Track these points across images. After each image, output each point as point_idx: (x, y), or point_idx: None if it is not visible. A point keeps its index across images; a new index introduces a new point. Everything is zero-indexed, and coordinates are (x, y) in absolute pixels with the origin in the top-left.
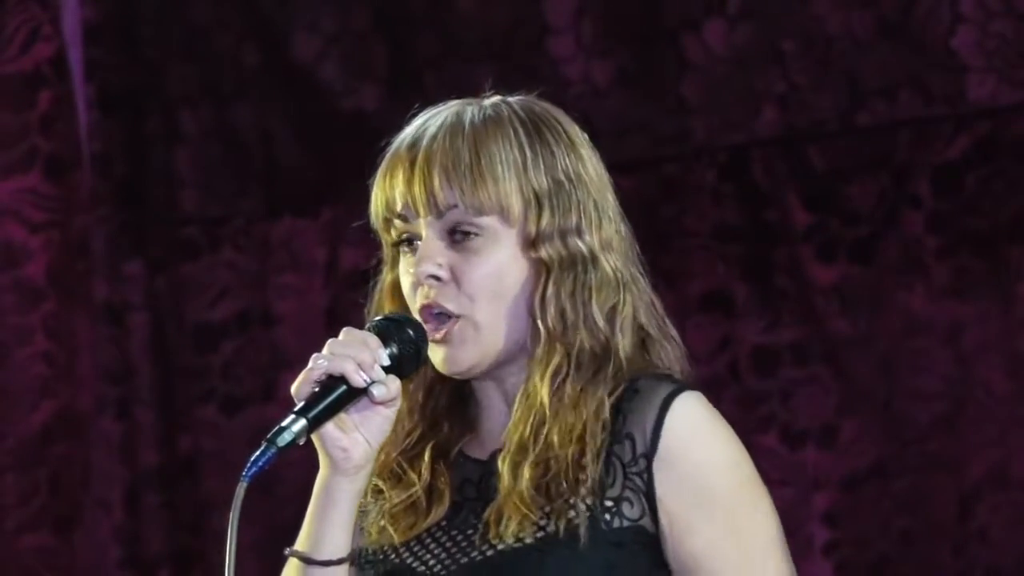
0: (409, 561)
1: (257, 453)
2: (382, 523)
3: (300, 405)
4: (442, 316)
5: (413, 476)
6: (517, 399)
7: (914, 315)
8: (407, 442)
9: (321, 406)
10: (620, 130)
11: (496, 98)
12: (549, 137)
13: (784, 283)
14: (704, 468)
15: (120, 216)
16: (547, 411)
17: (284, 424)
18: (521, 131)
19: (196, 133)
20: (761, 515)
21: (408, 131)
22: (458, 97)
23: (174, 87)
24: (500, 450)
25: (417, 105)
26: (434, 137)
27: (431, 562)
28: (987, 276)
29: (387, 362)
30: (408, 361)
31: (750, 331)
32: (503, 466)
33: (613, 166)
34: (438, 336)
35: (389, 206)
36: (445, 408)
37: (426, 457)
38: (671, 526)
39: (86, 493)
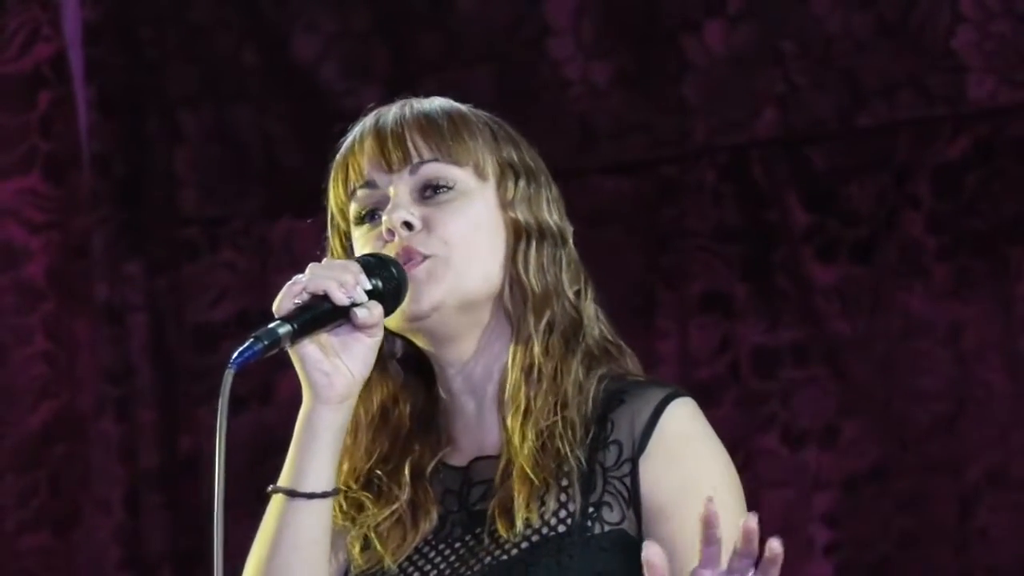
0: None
1: (244, 346)
2: (371, 540)
3: (282, 314)
4: (413, 254)
5: (396, 490)
6: (511, 356)
7: (914, 316)
8: (379, 452)
9: (306, 316)
10: (620, 130)
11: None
12: (512, 132)
13: (784, 284)
14: (690, 463)
15: (120, 217)
16: (543, 367)
17: (270, 326)
18: (487, 119)
19: (196, 134)
20: (736, 516)
21: (366, 119)
22: (456, 99)
23: (174, 88)
24: (480, 457)
25: (375, 113)
26: (402, 111)
27: (418, 569)
28: (987, 277)
29: (369, 286)
30: (389, 296)
31: (750, 332)
32: (512, 426)
33: (612, 167)
34: (408, 266)
35: (355, 173)
36: (409, 429)
37: (406, 473)
38: (649, 512)
39: (86, 493)
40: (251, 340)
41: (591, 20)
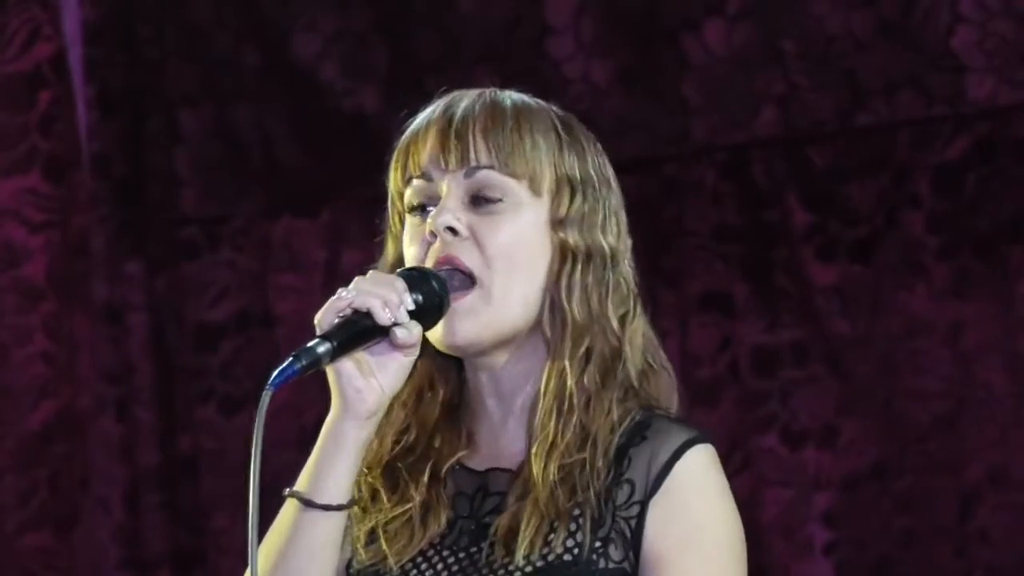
0: None
1: (283, 365)
2: (376, 536)
3: (325, 331)
4: (459, 276)
5: (412, 488)
6: (544, 383)
7: (914, 315)
8: (405, 442)
9: (348, 334)
10: (620, 130)
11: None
12: (580, 136)
13: (784, 283)
14: (698, 517)
15: (120, 216)
16: (575, 398)
17: (310, 344)
18: (557, 120)
19: (196, 133)
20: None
21: (439, 103)
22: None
23: (174, 87)
24: (498, 468)
25: (405, 111)
26: (473, 104)
27: None
28: (987, 276)
29: (412, 306)
30: (431, 312)
31: (750, 331)
32: (536, 453)
33: (613, 165)
34: (453, 295)
35: (414, 162)
36: (435, 421)
37: (428, 470)
38: (648, 557)
39: (86, 493)
40: (290, 359)
41: (591, 19)
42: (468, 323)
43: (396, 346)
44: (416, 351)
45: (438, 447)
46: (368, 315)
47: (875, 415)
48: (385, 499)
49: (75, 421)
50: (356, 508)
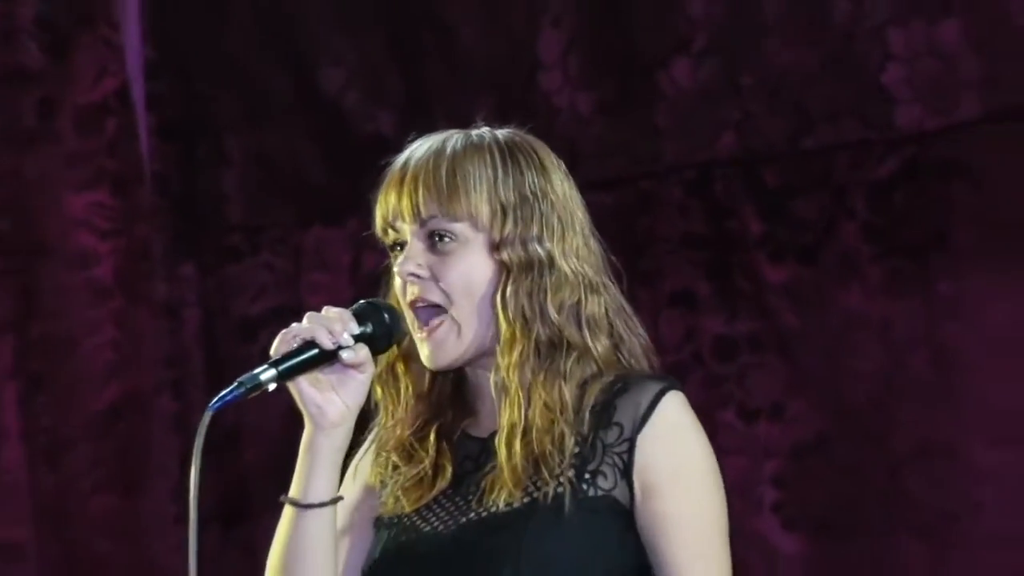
0: (418, 523)
1: (226, 390)
2: (397, 494)
3: (272, 359)
4: (429, 309)
5: (422, 454)
6: (503, 383)
7: (851, 311)
8: (417, 423)
9: (291, 361)
10: (602, 153)
11: (485, 129)
12: (521, 160)
13: (741, 283)
14: (681, 452)
15: (176, 226)
16: (521, 395)
17: (255, 371)
18: (497, 154)
19: (240, 155)
20: (716, 502)
21: (402, 155)
22: (460, 123)
23: (221, 116)
24: (495, 432)
25: (413, 134)
26: (420, 159)
27: (435, 523)
28: (913, 278)
29: (356, 331)
30: (380, 339)
31: (712, 324)
32: (499, 446)
33: (596, 184)
34: (424, 334)
35: (384, 218)
36: (448, 396)
37: (432, 438)
38: (643, 491)
39: (147, 460)
40: (235, 384)
41: (576, 57)
42: (442, 352)
43: (348, 366)
44: (368, 369)
45: (449, 420)
46: (313, 342)
47: (817, 395)
48: (403, 467)
49: (138, 400)
50: (378, 481)
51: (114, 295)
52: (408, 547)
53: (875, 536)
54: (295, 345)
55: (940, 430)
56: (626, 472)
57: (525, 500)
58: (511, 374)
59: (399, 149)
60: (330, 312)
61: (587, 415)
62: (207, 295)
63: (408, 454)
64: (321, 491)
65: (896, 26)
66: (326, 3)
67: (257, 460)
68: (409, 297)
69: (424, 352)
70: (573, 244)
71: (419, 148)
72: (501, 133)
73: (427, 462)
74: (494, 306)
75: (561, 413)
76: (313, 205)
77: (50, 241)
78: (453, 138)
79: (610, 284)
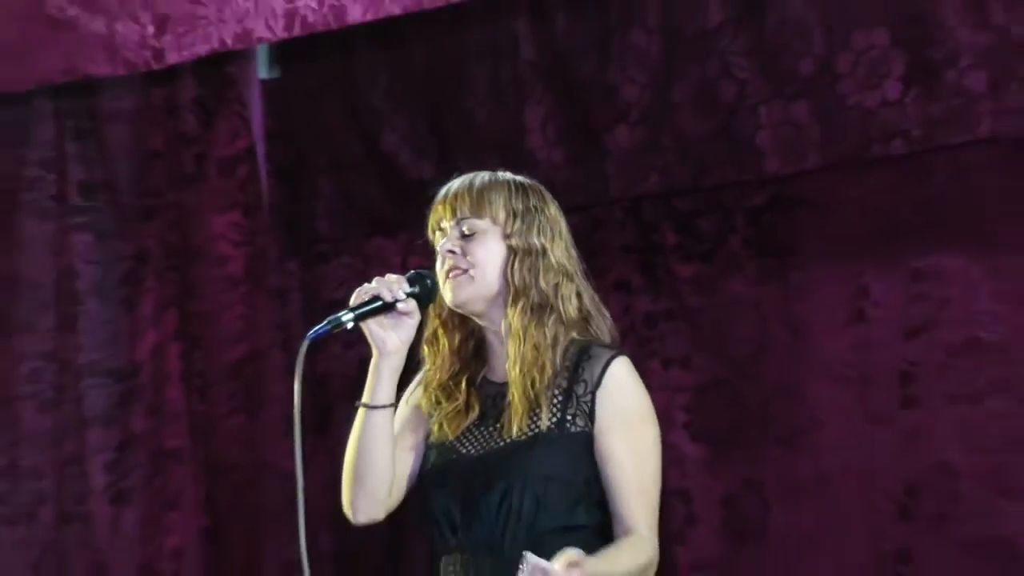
0: (457, 447)
1: (318, 326)
2: (442, 423)
3: (353, 306)
4: (455, 272)
5: (457, 394)
6: (507, 338)
7: (735, 295)
8: (451, 371)
9: (362, 309)
10: (569, 189)
11: (508, 173)
12: (528, 190)
13: (661, 276)
14: (625, 402)
15: (284, 238)
16: (521, 334)
17: (339, 314)
18: (512, 183)
19: (327, 192)
20: (652, 439)
21: (447, 185)
22: (476, 170)
23: (315, 165)
24: (508, 379)
25: (456, 172)
26: (459, 185)
27: (468, 448)
28: (775, 273)
29: (407, 290)
30: (423, 297)
31: (641, 303)
32: (511, 384)
33: (565, 210)
34: (449, 281)
35: (434, 224)
36: (471, 353)
37: (463, 383)
38: (599, 431)
39: (265, 394)
40: (325, 322)
41: (551, 125)
42: (459, 291)
43: (401, 314)
44: (416, 316)
45: (473, 369)
46: (378, 297)
47: (712, 351)
48: (444, 402)
49: (259, 354)
50: (426, 410)
51: (242, 284)
52: (450, 464)
53: (751, 446)
54: (366, 298)
55: (793, 374)
56: (591, 416)
57: (529, 434)
58: (515, 319)
59: (435, 188)
60: (390, 277)
61: (565, 373)
62: (305, 284)
63: (447, 392)
64: (383, 397)
65: (764, 104)
66: (388, 92)
67: (337, 393)
68: (446, 267)
69: (447, 293)
70: (559, 247)
71: (458, 180)
72: (519, 177)
73: (460, 399)
74: (503, 275)
75: (543, 351)
76: (375, 224)
77: (201, 248)
78: (482, 174)
79: (583, 279)
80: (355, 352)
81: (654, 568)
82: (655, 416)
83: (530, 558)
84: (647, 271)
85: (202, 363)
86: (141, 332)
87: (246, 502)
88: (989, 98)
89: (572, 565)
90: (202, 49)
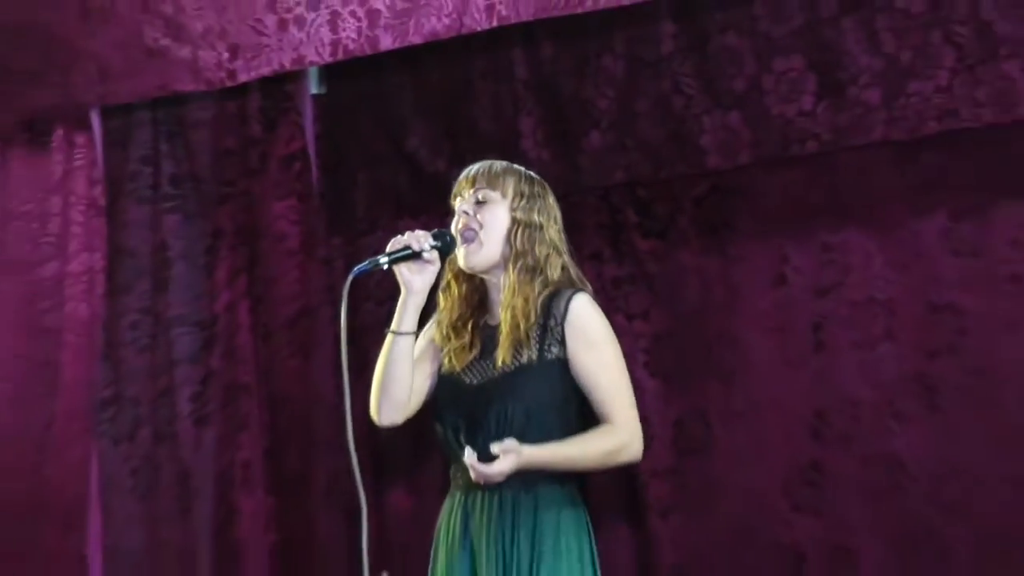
0: (462, 378)
1: (360, 265)
2: (451, 356)
3: (389, 252)
4: (470, 231)
5: (464, 333)
6: (503, 289)
7: (683, 264)
8: (460, 314)
9: (395, 255)
10: (553, 180)
11: (520, 166)
12: (535, 182)
13: (625, 249)
14: (588, 326)
15: (330, 218)
16: (516, 287)
17: (376, 257)
18: (524, 174)
19: (363, 181)
20: (613, 352)
21: (470, 167)
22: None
23: (353, 161)
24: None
25: (464, 167)
26: (480, 166)
27: (471, 378)
28: (715, 246)
29: (431, 243)
30: (443, 249)
31: (610, 270)
32: (504, 321)
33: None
34: (464, 245)
35: (457, 191)
36: (476, 302)
37: (468, 326)
38: (571, 353)
39: (315, 340)
40: (365, 263)
41: (541, 131)
42: (471, 257)
43: (426, 262)
44: (437, 264)
45: (476, 314)
46: (409, 247)
47: (666, 308)
48: (453, 339)
49: (310, 309)
50: (438, 343)
51: (298, 255)
52: (456, 391)
53: (696, 381)
54: (399, 247)
55: (729, 325)
56: (562, 343)
57: (515, 364)
58: (512, 276)
59: (448, 180)
60: (419, 232)
61: (542, 313)
62: (347, 255)
63: (456, 331)
64: (407, 326)
65: (707, 114)
66: (411, 104)
67: (372, 341)
68: (460, 226)
69: (461, 257)
70: (553, 228)
71: (480, 163)
72: (526, 169)
73: (466, 338)
74: (507, 241)
75: (530, 303)
76: (401, 207)
77: (265, 226)
78: (501, 161)
79: (569, 257)
80: (385, 309)
81: (630, 449)
82: (614, 336)
83: (469, 455)
84: (614, 245)
85: (266, 316)
86: (218, 292)
87: (300, 427)
88: (882, 110)
89: (506, 452)
90: (265, 70)
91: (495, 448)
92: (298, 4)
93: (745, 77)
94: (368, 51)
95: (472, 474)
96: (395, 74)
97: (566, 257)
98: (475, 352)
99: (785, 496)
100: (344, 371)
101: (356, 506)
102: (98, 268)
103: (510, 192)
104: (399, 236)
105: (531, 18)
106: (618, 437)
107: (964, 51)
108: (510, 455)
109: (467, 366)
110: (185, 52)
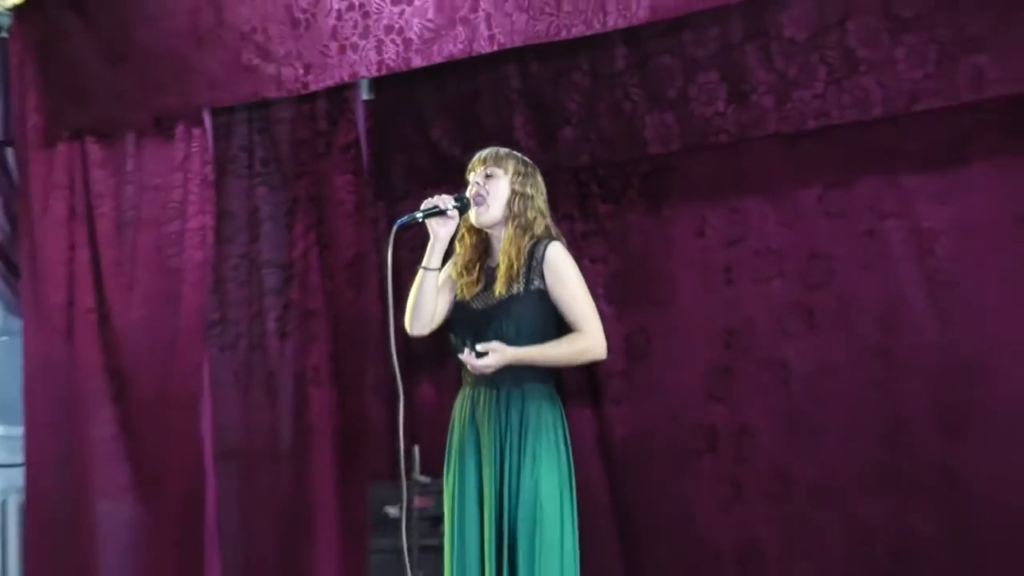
0: (471, 304)
1: (401, 219)
2: (463, 287)
3: (422, 210)
4: (479, 197)
5: (473, 271)
6: (503, 240)
7: (632, 224)
8: (471, 258)
9: (428, 211)
10: (539, 161)
11: (518, 153)
12: (529, 165)
13: (590, 212)
14: (559, 267)
15: (377, 188)
16: (513, 238)
17: (414, 212)
18: (521, 158)
19: (400, 162)
20: (577, 281)
21: (481, 151)
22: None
23: (392, 148)
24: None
25: (471, 155)
26: (490, 150)
27: (477, 304)
28: (654, 210)
29: (453, 204)
30: (461, 209)
31: (578, 227)
32: (501, 263)
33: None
34: (476, 207)
35: (472, 167)
36: (483, 250)
37: (476, 266)
38: (549, 287)
39: (365, 279)
40: (406, 217)
41: (529, 127)
42: (480, 217)
43: (449, 217)
44: (456, 220)
45: (482, 259)
46: (437, 206)
47: (619, 255)
48: (465, 276)
49: (362, 257)
50: (454, 278)
51: (352, 216)
52: (467, 313)
53: (640, 307)
54: (429, 206)
55: (664, 267)
56: (542, 278)
57: (508, 294)
58: (509, 231)
59: (465, 161)
60: (443, 195)
61: (528, 256)
62: (388, 215)
63: (468, 269)
64: (434, 263)
65: (648, 115)
66: (435, 107)
67: (406, 281)
68: (472, 193)
69: (473, 216)
70: (541, 199)
71: (490, 148)
72: (523, 156)
73: (474, 275)
74: (507, 206)
75: (522, 250)
76: (427, 182)
77: (329, 195)
78: (505, 148)
79: (552, 222)
80: (416, 255)
81: (596, 349)
82: (580, 273)
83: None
84: (581, 208)
85: (330, 260)
86: (295, 243)
87: (354, 339)
88: (775, 111)
89: (493, 351)
90: (330, 82)
91: (480, 347)
92: (354, 34)
93: (676, 87)
94: (404, 68)
95: (467, 366)
96: (423, 85)
97: (548, 219)
98: (480, 286)
99: (703, 390)
100: (388, 298)
101: (395, 396)
102: (209, 226)
103: (510, 170)
104: (429, 198)
105: (522, 44)
106: (586, 341)
107: (834, 69)
108: (496, 353)
109: (475, 296)
110: (271, 69)
